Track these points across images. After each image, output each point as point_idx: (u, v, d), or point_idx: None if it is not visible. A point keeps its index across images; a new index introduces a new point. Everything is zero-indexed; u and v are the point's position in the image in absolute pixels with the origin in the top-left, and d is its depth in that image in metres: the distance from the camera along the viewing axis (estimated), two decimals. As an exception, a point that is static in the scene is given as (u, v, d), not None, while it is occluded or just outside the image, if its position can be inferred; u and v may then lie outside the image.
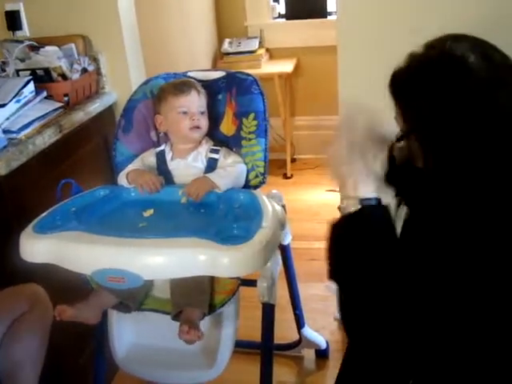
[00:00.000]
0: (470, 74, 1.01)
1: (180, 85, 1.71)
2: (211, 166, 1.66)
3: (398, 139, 1.13)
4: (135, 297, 1.57)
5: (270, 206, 1.47)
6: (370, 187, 1.12)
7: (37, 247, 1.38)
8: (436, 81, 1.02)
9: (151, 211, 1.52)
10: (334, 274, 1.13)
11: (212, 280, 1.55)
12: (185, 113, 1.67)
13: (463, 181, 1.04)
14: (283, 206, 1.61)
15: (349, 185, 1.14)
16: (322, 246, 3.04)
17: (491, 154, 1.02)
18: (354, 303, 1.09)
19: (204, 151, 1.69)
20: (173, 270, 1.29)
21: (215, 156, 1.67)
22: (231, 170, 1.63)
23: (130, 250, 1.30)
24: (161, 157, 1.71)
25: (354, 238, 1.10)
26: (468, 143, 1.02)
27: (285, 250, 1.83)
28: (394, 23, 1.90)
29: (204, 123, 1.68)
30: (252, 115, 1.67)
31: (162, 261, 1.28)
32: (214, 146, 1.70)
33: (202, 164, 1.67)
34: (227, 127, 1.74)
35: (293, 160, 4.09)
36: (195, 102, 1.67)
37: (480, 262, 0.99)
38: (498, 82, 1.01)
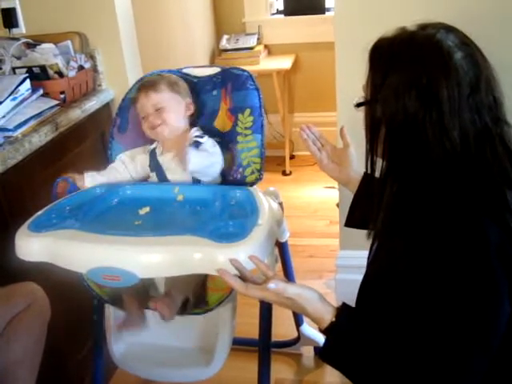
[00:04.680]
0: (449, 68, 1.02)
1: (135, 91, 1.74)
2: (196, 147, 1.64)
3: (358, 105, 1.14)
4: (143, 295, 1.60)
5: (266, 203, 1.47)
6: None
7: (32, 246, 1.37)
8: (414, 62, 1.04)
9: (147, 209, 1.52)
10: None
11: (207, 276, 1.55)
12: (143, 117, 1.69)
13: (412, 169, 1.06)
14: (280, 203, 1.61)
15: None
16: (320, 243, 3.03)
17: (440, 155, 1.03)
18: None
19: (191, 137, 1.68)
20: (168, 268, 1.28)
21: (200, 140, 1.65)
22: (208, 154, 1.62)
23: (125, 249, 1.29)
24: (152, 154, 1.72)
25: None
26: (420, 133, 1.03)
27: (282, 247, 1.82)
28: (392, 19, 1.88)
29: (163, 118, 1.66)
30: (248, 111, 1.66)
31: (158, 259, 1.28)
32: (202, 133, 1.70)
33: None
34: (222, 123, 1.73)
35: (291, 157, 4.08)
36: (145, 104, 1.67)
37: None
38: (473, 86, 1.03)
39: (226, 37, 3.97)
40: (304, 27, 3.96)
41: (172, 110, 1.68)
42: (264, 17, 4.08)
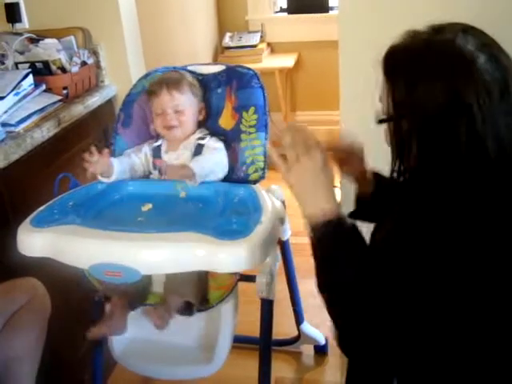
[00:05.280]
0: (475, 75, 0.98)
1: (155, 85, 1.70)
2: (198, 151, 1.65)
3: (381, 121, 1.10)
4: (139, 294, 1.58)
5: (269, 201, 1.46)
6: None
7: (34, 241, 1.37)
8: (437, 73, 1.00)
9: (149, 205, 1.51)
10: (322, 287, 1.12)
11: (207, 274, 1.54)
12: (159, 114, 1.67)
13: (444, 176, 1.03)
14: (283, 202, 1.60)
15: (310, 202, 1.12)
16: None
17: (476, 160, 1.00)
18: (345, 312, 1.08)
19: (194, 139, 1.68)
20: (170, 264, 1.27)
21: (202, 142, 1.66)
22: (210, 156, 1.62)
23: (128, 245, 1.29)
24: (156, 151, 1.71)
25: (334, 252, 1.09)
26: (453, 144, 1.00)
27: (284, 246, 1.82)
28: (397, 18, 1.88)
29: (181, 120, 1.66)
30: (252, 109, 1.65)
31: (160, 255, 1.27)
32: (204, 135, 1.70)
33: (190, 151, 1.66)
34: (226, 121, 1.72)
35: (293, 155, 4.05)
36: (166, 102, 1.65)
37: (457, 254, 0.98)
38: (502, 88, 0.99)
39: (228, 34, 3.96)
40: (307, 26, 3.96)
41: (190, 114, 1.68)
42: (267, 15, 4.08)
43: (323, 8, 4.01)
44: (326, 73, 3.84)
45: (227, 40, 3.93)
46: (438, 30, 1.04)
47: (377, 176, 1.43)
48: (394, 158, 1.11)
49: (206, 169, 1.57)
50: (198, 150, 1.65)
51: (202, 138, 1.67)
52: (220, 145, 1.65)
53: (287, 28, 4.05)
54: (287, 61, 3.85)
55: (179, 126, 1.66)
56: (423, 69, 1.01)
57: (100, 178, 1.60)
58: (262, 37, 3.95)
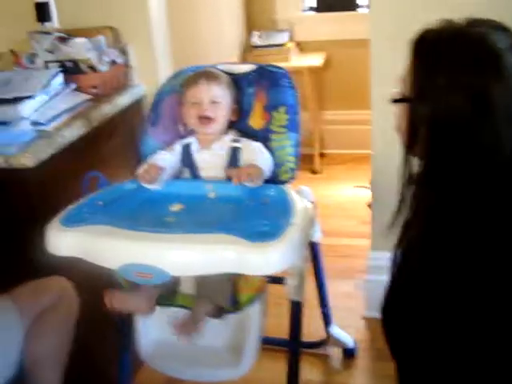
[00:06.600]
0: (502, 72, 0.96)
1: (193, 76, 1.69)
2: (234, 155, 1.63)
3: (396, 101, 1.08)
4: (167, 292, 1.57)
5: (299, 203, 1.44)
6: None
7: (63, 240, 1.37)
8: (465, 62, 0.98)
9: (179, 205, 1.50)
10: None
11: (237, 276, 1.53)
12: (195, 103, 1.65)
13: (457, 177, 1.01)
14: (313, 203, 1.58)
15: None
16: (349, 242, 3.02)
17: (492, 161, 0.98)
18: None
19: (228, 140, 1.66)
20: (200, 266, 1.26)
21: (237, 145, 1.64)
22: (263, 156, 1.59)
23: (158, 246, 1.28)
24: (187, 149, 1.69)
25: None
26: (468, 140, 0.98)
27: (314, 248, 1.80)
28: (429, 17, 1.86)
29: (217, 114, 1.64)
30: (283, 109, 1.63)
31: (190, 257, 1.26)
32: (239, 137, 1.68)
33: (226, 154, 1.65)
34: (256, 121, 1.71)
35: (321, 155, 4.04)
36: (204, 91, 1.64)
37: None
38: None
39: (256, 33, 3.94)
40: (336, 24, 3.93)
41: (225, 109, 1.66)
42: (295, 13, 4.05)
43: (351, 6, 3.99)
44: (355, 72, 3.80)
45: (255, 39, 3.91)
46: (472, 23, 1.03)
47: None
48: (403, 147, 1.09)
49: (266, 168, 1.56)
50: (235, 153, 1.63)
51: (237, 141, 1.65)
52: (260, 144, 1.63)
53: (316, 27, 4.01)
54: (315, 60, 3.82)
55: (213, 120, 1.64)
56: (450, 56, 1.00)
57: (149, 186, 1.60)
58: (290, 36, 3.92)
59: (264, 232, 1.29)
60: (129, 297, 1.51)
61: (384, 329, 1.14)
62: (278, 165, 1.61)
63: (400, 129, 1.10)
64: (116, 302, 1.49)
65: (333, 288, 2.22)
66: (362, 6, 3.99)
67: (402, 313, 1.10)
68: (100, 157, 1.96)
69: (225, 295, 1.51)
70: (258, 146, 1.62)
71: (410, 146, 1.08)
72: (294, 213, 1.38)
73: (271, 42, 3.86)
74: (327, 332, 2.18)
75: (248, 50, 3.99)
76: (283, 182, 1.60)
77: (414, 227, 1.09)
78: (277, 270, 1.25)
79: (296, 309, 1.55)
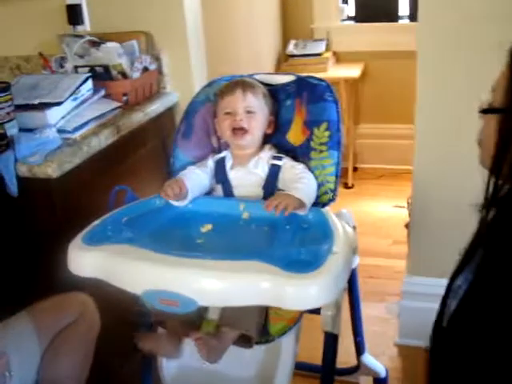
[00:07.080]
0: None
1: (227, 85, 1.62)
2: (274, 173, 1.54)
3: (488, 111, 0.96)
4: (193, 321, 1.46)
5: (341, 228, 1.33)
6: None
7: (84, 261, 1.28)
8: None
9: (209, 226, 1.40)
10: None
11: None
12: (229, 113, 1.56)
13: None
14: (354, 228, 1.47)
15: None
16: (382, 263, 2.88)
17: None
18: None
19: (266, 157, 1.56)
20: (231, 297, 1.16)
21: (278, 162, 1.54)
22: (309, 182, 1.49)
23: (186, 272, 1.18)
24: (220, 164, 1.60)
25: None
26: None
27: (351, 274, 1.68)
28: (479, 32, 1.79)
29: (252, 125, 1.55)
30: (324, 125, 1.53)
31: (220, 287, 1.16)
32: (277, 153, 1.58)
33: (262, 171, 1.55)
34: (295, 136, 1.60)
35: (355, 169, 3.96)
36: (239, 101, 1.55)
37: None
38: None
39: (293, 42, 3.86)
40: (375, 35, 3.83)
41: (260, 120, 1.57)
42: (333, 23, 3.96)
43: (392, 17, 3.89)
44: (393, 84, 3.73)
45: (291, 48, 3.82)
46: None
47: None
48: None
49: (311, 196, 1.45)
50: (274, 171, 1.53)
51: (278, 158, 1.55)
52: (304, 167, 1.53)
53: (354, 37, 3.92)
54: (353, 71, 3.72)
55: (248, 132, 1.55)
56: None
57: (174, 202, 1.50)
58: (327, 45, 3.83)
59: (303, 261, 1.18)
60: (159, 342, 1.51)
61: (433, 361, 1.02)
62: (317, 185, 1.50)
63: (485, 144, 0.98)
64: (145, 344, 1.49)
65: (362, 311, 2.11)
66: (402, 17, 3.89)
67: (469, 346, 0.98)
68: (128, 167, 1.90)
69: (252, 323, 1.40)
70: (301, 169, 1.52)
71: (497, 164, 0.96)
72: (336, 239, 1.27)
73: (308, 52, 3.78)
74: (359, 360, 2.07)
75: (284, 59, 3.91)
76: (323, 204, 1.49)
77: (490, 256, 0.96)
78: (314, 305, 1.15)
79: (331, 341, 1.43)
